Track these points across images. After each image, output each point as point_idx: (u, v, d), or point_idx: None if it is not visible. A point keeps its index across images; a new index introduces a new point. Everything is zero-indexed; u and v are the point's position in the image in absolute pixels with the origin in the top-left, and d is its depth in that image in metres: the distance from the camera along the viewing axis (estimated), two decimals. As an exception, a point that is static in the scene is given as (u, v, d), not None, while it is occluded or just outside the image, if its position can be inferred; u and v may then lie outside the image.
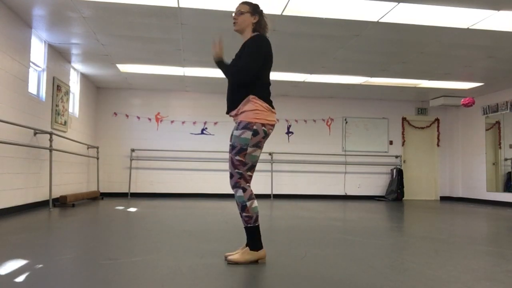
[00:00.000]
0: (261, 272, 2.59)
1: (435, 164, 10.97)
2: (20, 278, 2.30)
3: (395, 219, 5.99)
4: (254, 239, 2.81)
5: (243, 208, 2.77)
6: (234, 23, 2.98)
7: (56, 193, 7.00)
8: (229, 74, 2.91)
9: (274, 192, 10.10)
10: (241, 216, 2.80)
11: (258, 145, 2.78)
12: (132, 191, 9.66)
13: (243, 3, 2.99)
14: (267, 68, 2.91)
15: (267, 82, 2.90)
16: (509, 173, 9.29)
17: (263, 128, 2.77)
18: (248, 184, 2.81)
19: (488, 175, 9.79)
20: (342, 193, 10.44)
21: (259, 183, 10.05)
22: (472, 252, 3.40)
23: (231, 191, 9.92)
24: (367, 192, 10.54)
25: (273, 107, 2.88)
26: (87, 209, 6.43)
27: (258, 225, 2.82)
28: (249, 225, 2.79)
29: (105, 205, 7.20)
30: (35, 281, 2.27)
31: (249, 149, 2.75)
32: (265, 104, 2.80)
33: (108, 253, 3.05)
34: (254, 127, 2.74)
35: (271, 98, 2.89)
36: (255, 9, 2.97)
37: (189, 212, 6.20)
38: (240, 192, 2.77)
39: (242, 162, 2.76)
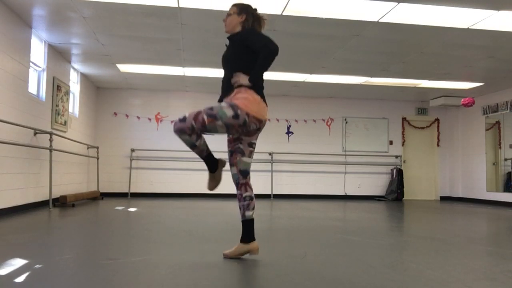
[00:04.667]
0: (261, 272, 2.59)
1: (435, 164, 10.98)
2: (20, 278, 2.30)
3: (395, 219, 6.00)
4: (211, 162, 2.95)
5: (192, 146, 2.84)
6: (225, 26, 3.07)
7: (56, 193, 7.00)
8: (265, 66, 2.83)
9: (274, 192, 10.10)
10: (193, 152, 2.90)
11: (229, 127, 2.79)
12: (132, 191, 9.66)
13: (232, 5, 3.08)
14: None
15: (262, 74, 2.92)
16: (509, 173, 9.29)
17: (246, 117, 2.78)
18: (193, 134, 2.80)
19: (488, 175, 9.79)
20: (342, 193, 10.44)
21: (259, 183, 10.05)
22: (472, 252, 3.40)
23: (231, 191, 9.93)
24: (367, 192, 10.54)
25: (265, 101, 2.92)
26: (87, 209, 6.43)
27: (253, 219, 2.94)
28: (203, 155, 2.91)
29: (105, 205, 7.20)
30: (35, 281, 2.27)
31: (219, 122, 2.75)
32: (256, 96, 2.84)
33: (108, 253, 3.05)
34: (238, 111, 2.76)
35: (270, 98, 2.93)
36: (242, 9, 3.02)
37: (189, 212, 6.20)
38: (186, 137, 2.78)
39: (204, 123, 2.75)
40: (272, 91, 9.83)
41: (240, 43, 2.92)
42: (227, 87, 2.92)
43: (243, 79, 2.82)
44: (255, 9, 3.07)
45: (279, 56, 2.92)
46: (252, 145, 2.99)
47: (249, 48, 2.87)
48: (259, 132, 2.99)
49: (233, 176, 2.98)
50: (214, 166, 2.98)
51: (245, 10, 3.02)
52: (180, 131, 2.77)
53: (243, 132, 2.90)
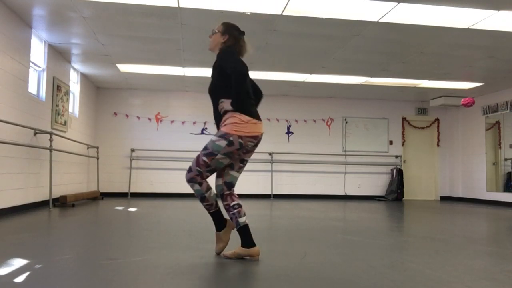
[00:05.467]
0: (261, 272, 2.59)
1: (435, 164, 10.97)
2: (20, 278, 2.30)
3: (395, 219, 6.00)
4: (219, 220, 3.01)
5: (202, 199, 2.95)
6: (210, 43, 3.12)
7: (56, 193, 7.00)
8: (239, 88, 2.83)
9: (274, 192, 10.10)
10: (203, 205, 2.98)
11: (229, 155, 2.88)
12: (132, 191, 9.66)
13: (222, 23, 3.09)
14: None
15: (245, 92, 2.90)
16: (509, 173, 9.29)
17: (240, 140, 2.84)
18: (204, 180, 2.94)
19: (488, 175, 9.79)
20: (342, 193, 10.44)
21: (259, 183, 10.06)
22: (472, 252, 3.40)
23: (231, 191, 9.97)
24: (367, 192, 10.54)
25: (256, 116, 2.91)
26: (87, 209, 6.43)
27: (247, 224, 2.94)
28: (211, 211, 2.99)
29: (105, 205, 7.20)
30: (35, 281, 2.27)
31: (219, 156, 2.86)
32: (245, 117, 2.85)
33: (108, 253, 3.05)
34: (230, 138, 2.83)
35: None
36: (226, 30, 3.03)
37: (189, 212, 6.20)
38: (197, 187, 2.92)
39: (207, 164, 2.88)
40: (272, 91, 9.83)
41: (220, 69, 2.94)
42: (218, 118, 2.97)
43: (226, 104, 2.87)
44: (242, 33, 3.07)
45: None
46: (243, 161, 3.02)
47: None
48: (255, 148, 3.00)
49: (217, 187, 3.01)
50: (220, 224, 3.02)
51: (229, 32, 3.03)
52: (191, 181, 2.91)
53: (243, 153, 2.94)
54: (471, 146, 10.40)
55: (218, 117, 2.96)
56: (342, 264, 2.83)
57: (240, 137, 2.83)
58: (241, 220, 2.92)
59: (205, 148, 2.89)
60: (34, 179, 6.27)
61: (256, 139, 2.92)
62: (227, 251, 3.01)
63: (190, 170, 2.91)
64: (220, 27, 3.05)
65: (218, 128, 2.99)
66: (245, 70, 2.81)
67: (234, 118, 2.85)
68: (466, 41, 6.05)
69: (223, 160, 2.88)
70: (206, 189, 2.93)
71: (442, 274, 2.59)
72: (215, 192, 2.99)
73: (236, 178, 3.02)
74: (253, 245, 2.92)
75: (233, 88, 2.82)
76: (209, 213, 3.01)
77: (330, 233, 4.33)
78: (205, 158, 2.87)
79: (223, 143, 2.83)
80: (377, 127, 10.72)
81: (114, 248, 3.26)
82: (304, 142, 10.40)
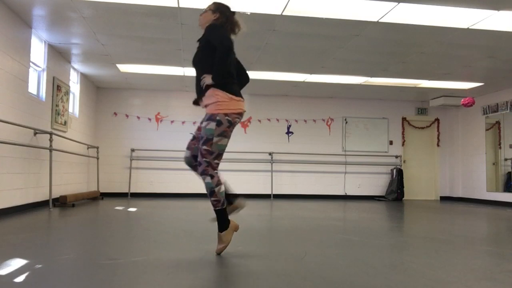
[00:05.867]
0: (261, 272, 2.59)
1: (435, 164, 10.98)
2: (20, 278, 2.30)
3: (395, 219, 6.00)
4: (223, 220, 2.99)
5: (211, 193, 2.94)
6: (199, 20, 3.16)
7: (56, 193, 7.00)
8: (222, 62, 2.87)
9: (274, 192, 10.10)
10: (210, 201, 2.98)
11: (224, 135, 2.93)
12: (132, 191, 9.66)
13: (213, 2, 3.15)
14: None
15: (228, 72, 2.95)
16: (509, 173, 9.28)
17: (227, 117, 2.91)
18: (215, 171, 2.97)
19: (488, 175, 9.79)
20: (342, 193, 10.44)
21: (259, 183, 10.06)
22: (472, 252, 3.40)
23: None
24: (367, 192, 10.54)
25: (238, 94, 2.97)
26: (87, 209, 6.43)
27: (225, 207, 3.00)
28: (217, 208, 2.97)
29: (105, 205, 7.20)
30: (35, 281, 2.27)
31: (215, 139, 2.91)
32: (226, 94, 2.91)
33: (108, 253, 3.05)
34: (217, 118, 2.90)
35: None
36: (218, 8, 3.09)
37: (189, 212, 6.20)
38: (208, 179, 2.93)
39: (209, 151, 2.92)
40: (272, 91, 9.84)
41: (205, 42, 2.98)
42: (199, 88, 3.02)
43: (208, 79, 2.92)
44: (233, 12, 3.11)
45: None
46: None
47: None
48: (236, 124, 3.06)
49: (186, 158, 3.09)
50: (224, 224, 3.00)
51: (220, 10, 3.08)
52: (203, 173, 2.94)
53: (231, 130, 2.99)
54: (471, 146, 10.40)
55: (199, 89, 3.02)
56: (342, 264, 2.83)
57: (226, 114, 2.90)
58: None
59: (201, 137, 2.94)
60: (34, 179, 6.27)
61: (241, 116, 3.00)
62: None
63: (200, 163, 2.95)
64: (212, 6, 3.11)
65: (198, 100, 3.05)
66: (231, 44, 2.87)
67: (217, 97, 2.90)
68: (466, 41, 6.05)
69: (222, 141, 2.92)
70: (217, 183, 2.93)
71: (442, 274, 2.59)
72: (224, 189, 2.99)
73: None
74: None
75: (216, 62, 2.85)
76: (215, 210, 2.98)
77: (330, 233, 4.33)
78: (205, 147, 2.91)
79: (212, 125, 2.89)
80: (377, 127, 10.72)
81: (114, 248, 3.26)
82: (304, 142, 10.40)
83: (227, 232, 3.01)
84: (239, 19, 3.13)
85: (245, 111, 3.03)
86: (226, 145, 2.96)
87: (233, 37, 3.09)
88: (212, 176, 2.92)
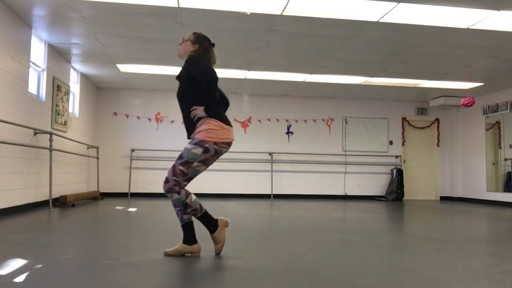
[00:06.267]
0: (261, 272, 2.59)
1: (435, 164, 10.97)
2: (20, 278, 2.30)
3: (395, 219, 6.00)
4: (209, 222, 2.98)
5: (185, 206, 2.91)
6: (179, 49, 3.13)
7: (56, 193, 7.00)
8: (211, 94, 2.86)
9: (274, 192, 10.10)
10: (185, 213, 2.96)
11: (205, 162, 2.91)
12: (132, 191, 9.66)
13: (193, 32, 3.12)
14: None
15: (216, 100, 2.93)
16: (509, 173, 9.28)
17: (215, 146, 2.88)
18: (182, 188, 2.91)
19: (488, 175, 9.79)
20: (342, 193, 10.44)
21: (259, 183, 10.06)
22: (472, 252, 3.40)
23: (231, 191, 9.98)
24: (367, 192, 10.54)
25: (228, 123, 2.96)
26: (87, 209, 6.43)
27: (192, 221, 2.98)
28: (198, 215, 2.94)
29: (105, 205, 7.20)
30: (35, 281, 2.27)
31: (195, 163, 2.88)
32: (219, 123, 2.89)
33: (108, 253, 3.05)
34: (206, 145, 2.86)
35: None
36: (197, 39, 3.06)
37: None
38: (176, 196, 2.89)
39: (184, 173, 2.88)
40: (272, 91, 9.84)
41: (187, 76, 2.95)
42: (189, 124, 2.97)
43: (200, 111, 2.88)
44: (212, 44, 3.10)
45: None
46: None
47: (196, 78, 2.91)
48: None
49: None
50: (212, 226, 3.00)
51: (199, 42, 3.05)
52: (169, 191, 2.88)
53: (215, 159, 2.96)
54: (471, 146, 10.40)
55: (189, 123, 2.96)
56: (342, 264, 2.83)
57: (215, 143, 2.87)
58: (186, 216, 2.98)
59: (181, 157, 2.88)
60: (34, 179, 6.27)
61: (229, 145, 2.97)
62: (168, 249, 3.04)
63: (167, 181, 2.88)
64: (191, 36, 3.08)
65: (189, 133, 2.99)
66: (216, 76, 2.85)
67: (209, 124, 2.87)
68: (466, 41, 6.05)
69: (199, 167, 2.90)
70: (186, 195, 2.89)
71: (442, 274, 2.59)
72: (195, 197, 2.97)
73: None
74: (195, 242, 2.97)
75: (206, 94, 2.84)
76: (197, 218, 2.95)
77: (330, 233, 4.33)
78: (181, 167, 2.86)
79: (199, 150, 2.85)
80: (377, 127, 10.72)
81: (114, 248, 3.26)
82: (304, 142, 10.40)
83: (219, 231, 3.01)
84: (216, 54, 3.12)
85: (233, 140, 2.99)
86: (201, 172, 2.94)
87: None
88: (179, 192, 2.88)
